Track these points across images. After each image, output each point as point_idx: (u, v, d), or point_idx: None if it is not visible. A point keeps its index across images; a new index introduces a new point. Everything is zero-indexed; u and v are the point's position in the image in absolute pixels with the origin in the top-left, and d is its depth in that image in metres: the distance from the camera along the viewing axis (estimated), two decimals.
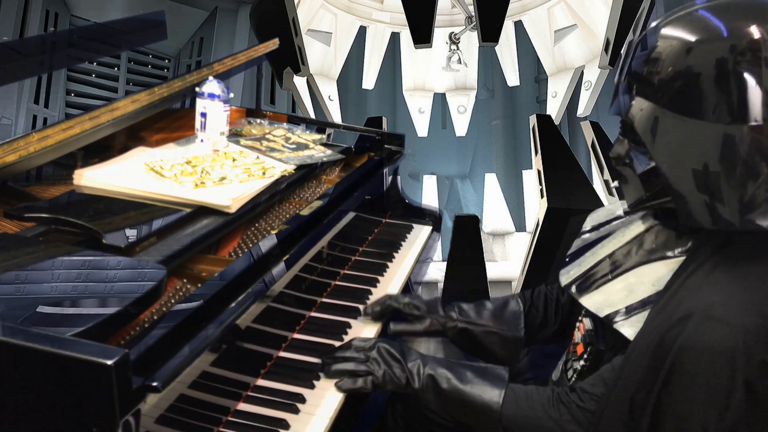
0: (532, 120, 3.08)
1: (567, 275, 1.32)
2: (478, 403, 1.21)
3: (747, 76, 0.97)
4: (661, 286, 1.14)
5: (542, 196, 2.87)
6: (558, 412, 1.17)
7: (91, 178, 1.42)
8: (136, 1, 3.94)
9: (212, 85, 1.66)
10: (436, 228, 2.11)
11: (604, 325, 1.24)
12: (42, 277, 1.00)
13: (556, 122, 3.30)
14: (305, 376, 1.27)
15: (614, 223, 1.32)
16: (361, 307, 1.54)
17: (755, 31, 0.97)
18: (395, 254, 1.85)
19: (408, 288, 1.68)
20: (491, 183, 3.92)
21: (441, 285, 3.14)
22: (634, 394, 1.05)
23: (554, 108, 3.44)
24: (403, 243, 1.93)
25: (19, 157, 1.28)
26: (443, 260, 3.22)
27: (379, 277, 1.70)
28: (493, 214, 3.86)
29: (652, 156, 1.06)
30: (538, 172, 2.92)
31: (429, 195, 3.91)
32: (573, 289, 1.28)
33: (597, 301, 1.22)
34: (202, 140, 1.67)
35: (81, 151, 1.48)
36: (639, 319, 1.13)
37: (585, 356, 1.28)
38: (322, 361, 1.29)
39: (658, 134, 1.04)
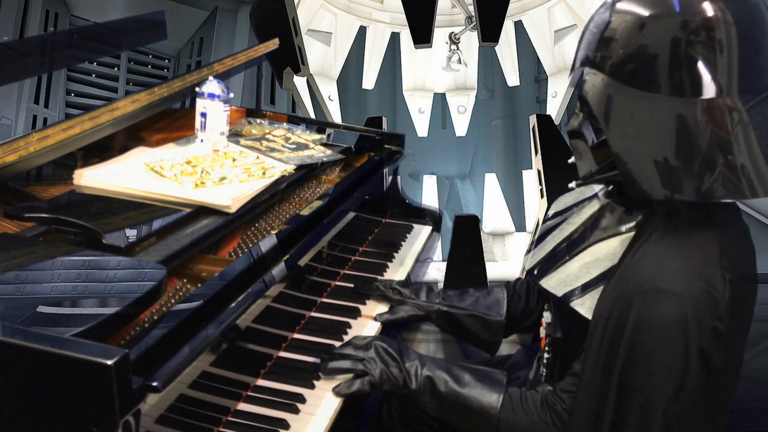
0: (532, 120, 3.07)
1: (529, 261, 1.34)
2: (476, 408, 1.21)
3: (698, 51, 0.99)
4: (614, 260, 1.15)
5: (542, 196, 2.87)
6: (547, 415, 1.19)
7: (91, 178, 1.42)
8: (136, 1, 3.94)
9: (212, 85, 1.66)
10: (436, 228, 2.11)
11: (560, 313, 1.25)
12: (42, 277, 1.00)
13: (556, 122, 3.29)
14: (305, 376, 1.27)
15: (573, 207, 1.33)
16: (361, 307, 1.54)
17: (708, 7, 0.99)
18: (395, 254, 1.85)
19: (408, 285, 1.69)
20: (491, 183, 3.92)
21: (441, 285, 3.14)
22: (597, 378, 1.07)
23: (554, 108, 3.44)
24: (403, 243, 1.93)
25: (19, 157, 1.28)
26: (443, 260, 3.22)
27: (379, 277, 1.70)
28: (493, 214, 3.86)
29: (603, 128, 1.07)
30: (538, 172, 2.92)
31: (429, 195, 3.91)
32: (535, 272, 1.30)
33: (555, 282, 1.23)
34: (202, 140, 1.67)
35: (81, 151, 1.48)
36: (594, 295, 1.15)
37: (547, 348, 1.30)
38: (320, 359, 1.29)
39: (609, 107, 1.05)
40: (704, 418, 1.06)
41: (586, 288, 1.17)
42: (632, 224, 1.17)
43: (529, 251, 1.38)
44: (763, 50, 1.01)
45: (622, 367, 1.03)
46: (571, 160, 1.23)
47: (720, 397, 1.07)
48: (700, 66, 0.99)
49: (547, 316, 1.30)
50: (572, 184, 1.23)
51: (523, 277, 1.56)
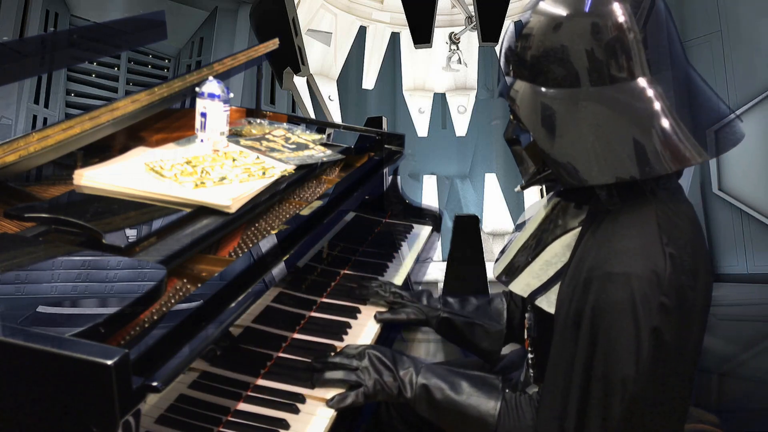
0: None
1: (497, 268, 1.37)
2: (473, 416, 1.22)
3: (608, 44, 1.05)
4: (567, 256, 1.19)
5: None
6: (534, 416, 1.19)
7: (91, 178, 1.42)
8: (136, 1, 3.94)
9: (212, 85, 1.66)
10: (436, 228, 2.11)
11: (534, 312, 1.28)
12: (42, 277, 1.00)
13: None
14: (305, 376, 1.27)
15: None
16: (361, 307, 1.54)
17: (617, 8, 1.05)
18: (395, 254, 1.85)
19: (407, 287, 1.69)
20: (491, 183, 3.92)
21: (441, 285, 3.14)
22: (561, 367, 1.10)
23: None
24: (403, 243, 1.93)
25: (19, 157, 1.28)
26: (443, 260, 3.22)
27: (379, 277, 1.70)
28: (493, 214, 3.86)
29: (529, 128, 1.12)
30: None
31: (429, 195, 3.91)
32: (503, 278, 1.32)
33: (522, 285, 1.26)
34: (202, 140, 1.67)
35: (81, 151, 1.48)
36: (555, 291, 1.18)
37: (530, 348, 1.31)
38: (311, 367, 1.26)
39: (532, 108, 1.10)
40: (664, 397, 1.08)
41: (547, 285, 1.20)
42: (581, 219, 1.20)
43: (497, 260, 1.41)
44: (663, 33, 1.08)
45: (584, 356, 1.06)
46: (516, 189, 1.30)
47: (679, 375, 1.09)
48: (611, 56, 1.05)
49: (529, 318, 1.32)
50: (517, 188, 1.28)
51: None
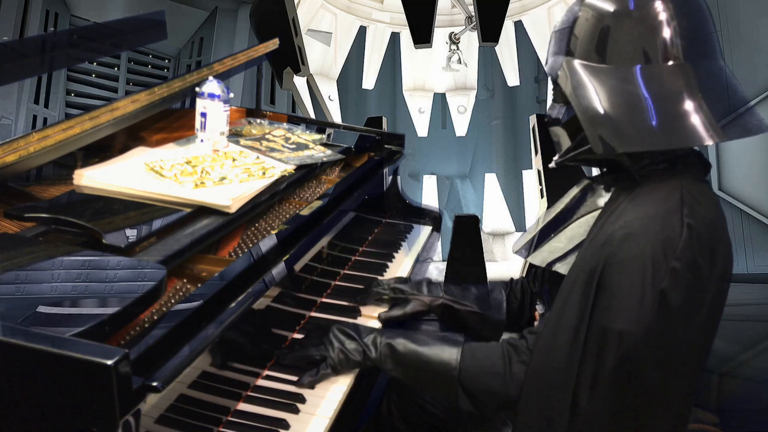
0: (532, 120, 3.08)
1: (517, 243, 1.43)
2: (436, 362, 1.24)
3: (649, 30, 1.15)
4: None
5: (542, 196, 2.87)
6: (508, 353, 1.22)
7: (91, 178, 1.42)
8: (136, 1, 3.94)
9: (212, 85, 1.66)
10: (436, 228, 2.11)
11: (550, 281, 1.33)
12: (42, 277, 1.00)
13: None
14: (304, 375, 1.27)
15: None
16: (361, 306, 1.54)
17: (658, 3, 1.15)
18: (395, 254, 1.85)
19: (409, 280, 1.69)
20: (491, 183, 3.92)
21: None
22: (567, 318, 1.12)
23: None
24: (403, 243, 1.93)
25: (19, 157, 1.28)
26: (443, 260, 3.22)
27: (379, 277, 1.70)
28: (493, 214, 3.87)
29: (571, 99, 1.18)
30: (538, 172, 2.92)
31: (429, 195, 3.91)
32: (523, 252, 1.37)
33: (542, 256, 1.32)
34: (202, 140, 1.67)
35: (81, 151, 1.48)
36: (573, 258, 1.23)
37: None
38: (276, 354, 1.31)
39: (576, 83, 1.18)
40: (659, 364, 1.09)
41: (567, 255, 1.26)
42: (608, 199, 1.25)
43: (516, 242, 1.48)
44: (704, 23, 1.17)
45: (587, 306, 1.10)
46: (551, 164, 1.33)
47: (679, 344, 1.10)
48: (651, 39, 1.14)
49: (539, 308, 1.33)
50: (552, 164, 1.32)
51: (521, 264, 1.63)
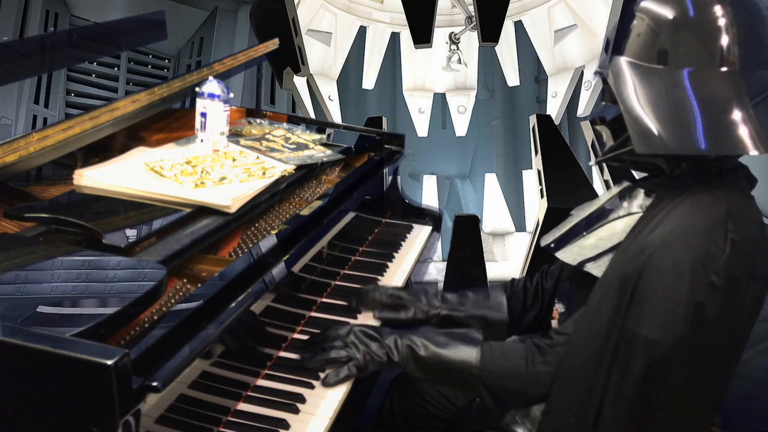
0: (532, 120, 3.08)
1: (547, 238, 1.41)
2: (457, 363, 1.25)
3: (704, 36, 1.14)
4: (625, 236, 1.22)
5: (542, 196, 2.86)
6: (531, 353, 1.22)
7: (91, 178, 1.42)
8: (136, 1, 3.93)
9: (212, 85, 1.66)
10: (436, 228, 2.11)
11: (575, 281, 1.32)
12: (42, 277, 1.00)
13: (556, 122, 3.29)
14: (305, 376, 1.27)
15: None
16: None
17: (719, 9, 1.14)
18: (395, 254, 1.85)
19: (407, 287, 1.69)
20: (491, 183, 3.92)
21: (441, 285, 3.14)
22: (598, 322, 1.12)
23: (554, 108, 3.43)
24: (403, 243, 1.93)
25: (19, 157, 1.28)
26: (443, 260, 3.22)
27: (379, 277, 1.70)
28: (493, 214, 3.86)
29: (618, 99, 1.17)
30: (538, 172, 2.92)
31: (429, 195, 3.91)
32: (552, 246, 1.36)
33: (571, 254, 1.30)
34: (202, 140, 1.67)
35: (81, 151, 1.48)
36: (606, 260, 1.21)
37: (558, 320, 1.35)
38: (301, 356, 1.31)
39: (624, 81, 1.17)
40: (688, 375, 1.09)
41: (599, 256, 1.24)
42: (646, 205, 1.24)
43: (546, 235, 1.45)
44: (763, 32, 1.16)
45: (620, 312, 1.09)
46: (591, 162, 1.31)
47: (709, 356, 1.10)
48: (705, 44, 1.13)
49: (560, 308, 1.32)
50: (592, 162, 1.30)
51: (533, 278, 1.59)
